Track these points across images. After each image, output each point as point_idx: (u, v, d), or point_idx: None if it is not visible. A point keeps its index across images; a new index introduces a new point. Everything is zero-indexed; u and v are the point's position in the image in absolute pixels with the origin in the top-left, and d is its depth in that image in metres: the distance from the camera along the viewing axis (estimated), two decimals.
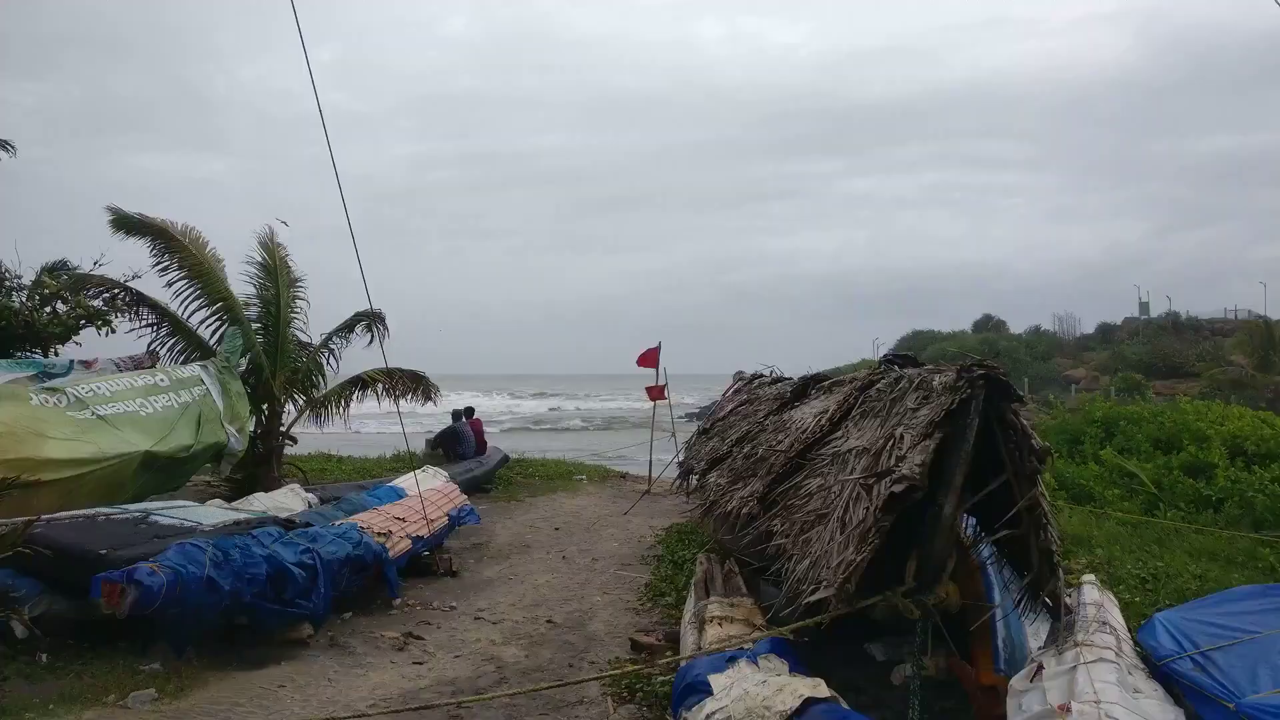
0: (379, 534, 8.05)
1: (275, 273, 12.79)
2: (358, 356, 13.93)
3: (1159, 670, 4.91)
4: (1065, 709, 4.14)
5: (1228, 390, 34.03)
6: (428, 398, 14.37)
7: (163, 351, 12.05)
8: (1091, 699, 4.15)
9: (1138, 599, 7.47)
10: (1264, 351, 48.24)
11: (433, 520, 9.13)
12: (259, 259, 12.90)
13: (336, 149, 6.17)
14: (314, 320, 13.44)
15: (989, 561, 5.93)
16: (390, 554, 7.97)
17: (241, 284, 12.69)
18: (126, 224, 11.53)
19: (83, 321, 12.09)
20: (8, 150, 12.08)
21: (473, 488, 13.14)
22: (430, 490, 9.84)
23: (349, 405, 13.68)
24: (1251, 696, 4.15)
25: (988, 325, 67.88)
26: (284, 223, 12.89)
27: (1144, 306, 62.75)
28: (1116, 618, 5.63)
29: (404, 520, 8.73)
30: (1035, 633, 5.74)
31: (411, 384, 14.13)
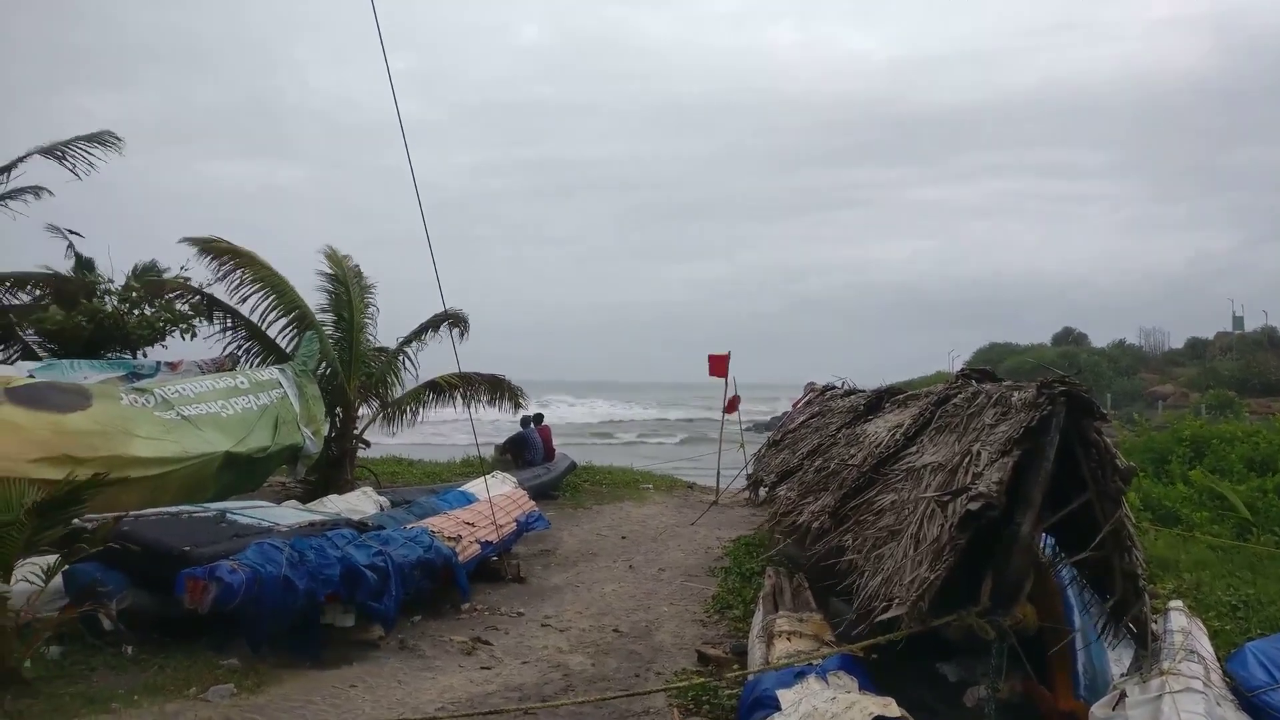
0: (449, 538, 8.15)
1: (345, 281, 13.13)
2: (435, 362, 14.20)
3: (1249, 702, 4.70)
4: None
5: None
6: (515, 403, 14.62)
7: (241, 355, 12.50)
8: None
9: (1228, 627, 7.15)
10: None
11: (501, 526, 9.22)
12: (328, 270, 13.27)
13: (403, 157, 6.28)
14: (385, 326, 13.76)
15: (1069, 584, 5.75)
16: (460, 558, 8.07)
17: (314, 293, 13.10)
18: (207, 248, 11.97)
19: (169, 325, 12.59)
20: (115, 145, 12.39)
21: (541, 494, 13.23)
22: (499, 496, 9.94)
23: (421, 410, 13.94)
24: None
25: (1068, 338, 65.99)
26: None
27: (1238, 320, 60.16)
28: (1205, 646, 5.39)
29: (473, 525, 8.83)
30: (1118, 659, 5.54)
31: (490, 388, 14.34)
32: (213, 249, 11.90)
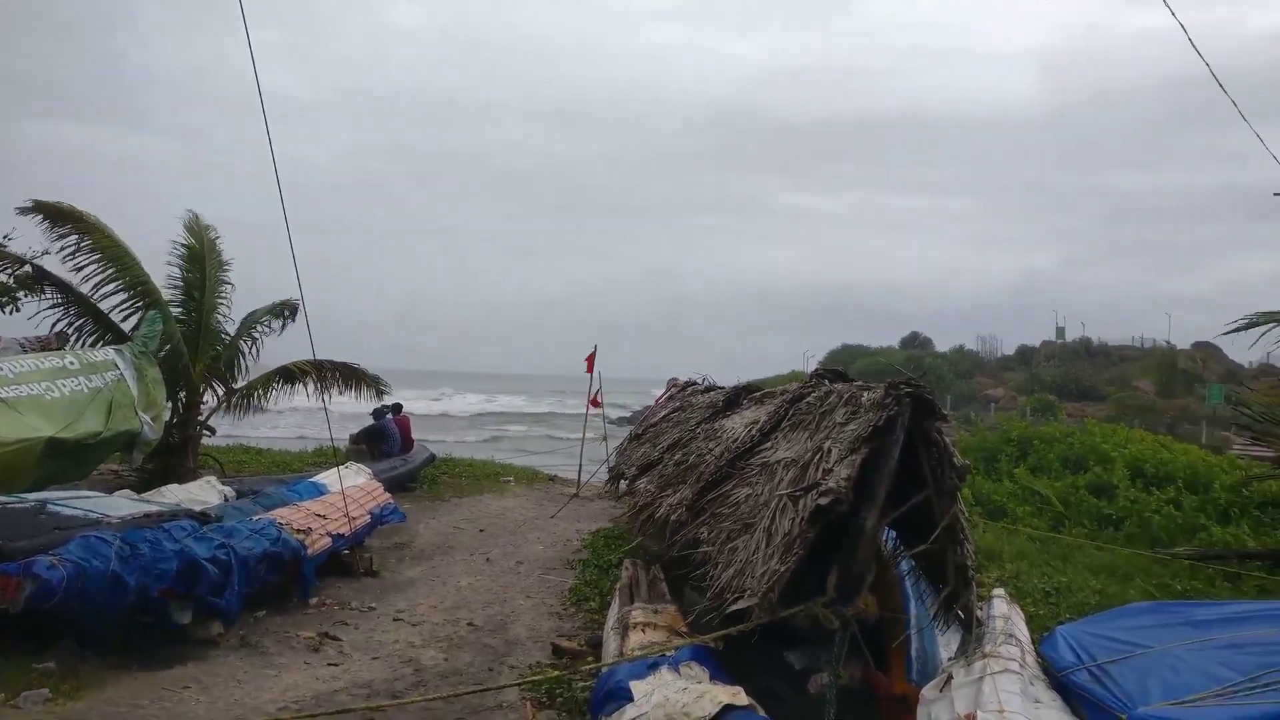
0: (298, 530, 7.85)
1: (202, 258, 12.39)
2: (288, 349, 13.62)
3: (1059, 681, 5.10)
4: (971, 718, 4.28)
5: (1132, 414, 35.66)
6: (376, 392, 14.19)
7: (72, 333, 11.55)
8: (996, 708, 4.30)
9: (1042, 612, 7.75)
10: (1167, 378, 50.74)
11: (354, 518, 8.94)
12: (183, 242, 12.50)
13: (277, 136, 5.99)
14: (240, 308, 13.10)
15: (907, 574, 6.08)
16: (309, 551, 7.77)
17: (164, 268, 12.28)
18: (50, 213, 10.98)
19: None
20: None
21: (397, 486, 12.91)
22: (352, 487, 9.63)
23: (270, 397, 13.36)
24: (1142, 708, 4.34)
25: (914, 342, 69.81)
26: None
27: (1060, 331, 65.57)
28: (1022, 630, 5.83)
29: (324, 517, 8.53)
30: (947, 644, 5.90)
31: (345, 377, 13.86)
32: (55, 211, 10.93)
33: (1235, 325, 8.10)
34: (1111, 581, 9.14)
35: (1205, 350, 54.59)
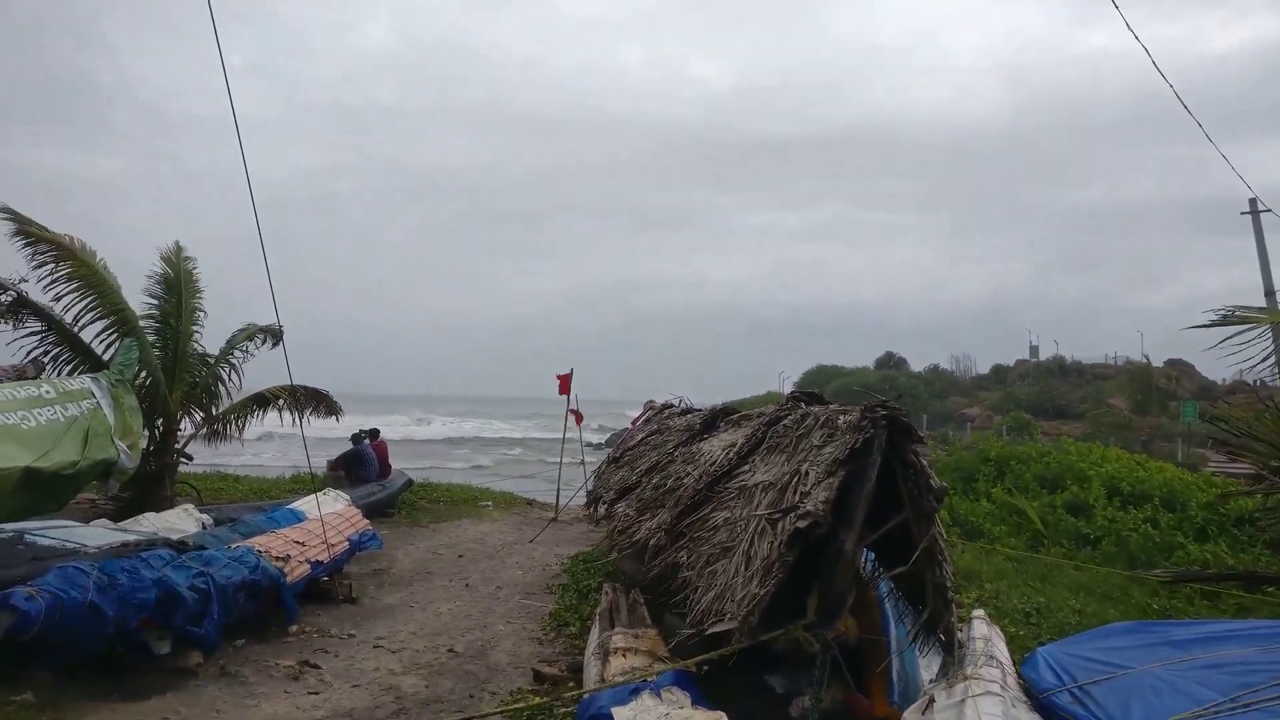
0: (277, 558, 7.81)
1: (178, 285, 12.35)
2: (260, 376, 13.56)
3: (1040, 703, 5.15)
4: None
5: (1108, 432, 36.02)
6: (331, 413, 14.10)
7: (47, 361, 11.43)
8: None
9: (1022, 632, 7.81)
10: (1141, 396, 51.30)
11: (333, 545, 8.90)
12: (160, 269, 12.45)
13: (234, 153, 5.97)
14: (210, 333, 13.03)
15: (886, 596, 6.13)
16: (288, 579, 7.73)
17: (138, 294, 12.20)
18: (28, 233, 10.82)
19: None
20: None
21: (375, 512, 12.85)
22: (331, 514, 9.59)
23: (247, 423, 13.30)
24: None
25: (889, 362, 70.22)
26: None
27: (1034, 350, 66.26)
28: (1003, 651, 5.88)
29: (303, 544, 8.49)
30: (928, 665, 5.95)
31: (315, 401, 13.81)
32: (32, 234, 10.75)
33: (1209, 320, 8.00)
34: (1091, 601, 9.22)
35: (1179, 367, 55.32)
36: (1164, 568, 10.41)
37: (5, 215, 10.51)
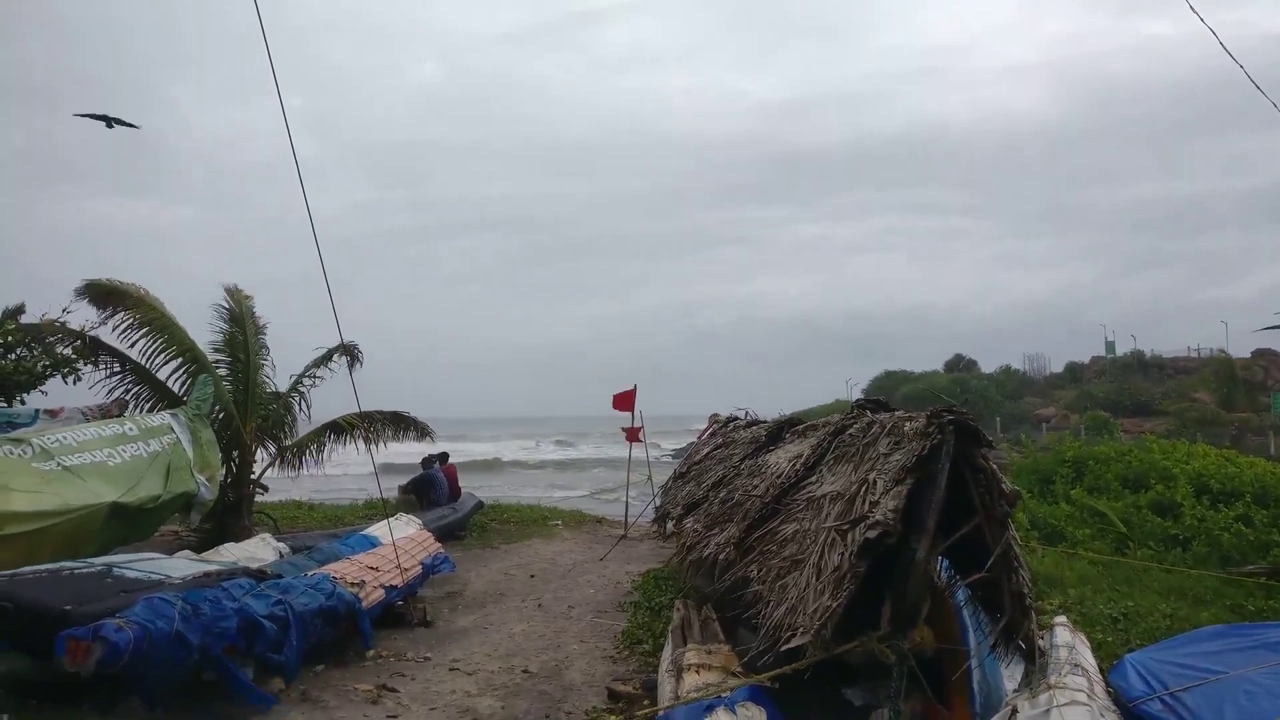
0: (352, 584, 7.95)
1: (242, 320, 12.80)
2: (330, 405, 13.90)
3: (1130, 711, 4.97)
4: None
5: (1193, 428, 34.66)
6: (423, 437, 14.42)
7: (130, 400, 11.95)
8: None
9: (1109, 639, 7.54)
10: (1227, 389, 49.29)
11: (406, 569, 9.03)
12: (225, 306, 12.92)
13: (293, 196, 6.17)
14: (275, 369, 13.46)
15: (963, 605, 5.97)
16: (363, 604, 7.87)
17: (207, 333, 12.73)
18: (101, 292, 11.48)
19: (49, 370, 11.93)
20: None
21: (447, 535, 13.02)
22: (403, 538, 9.74)
23: (322, 452, 13.62)
24: None
25: (959, 365, 68.75)
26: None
27: (1110, 345, 64.09)
28: (1088, 659, 5.68)
29: (377, 569, 8.63)
30: (1010, 675, 5.78)
31: (393, 425, 14.09)
32: (106, 290, 11.45)
33: None
34: (1181, 605, 8.87)
35: (1267, 357, 53.04)
36: (1259, 567, 9.95)
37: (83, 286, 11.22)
